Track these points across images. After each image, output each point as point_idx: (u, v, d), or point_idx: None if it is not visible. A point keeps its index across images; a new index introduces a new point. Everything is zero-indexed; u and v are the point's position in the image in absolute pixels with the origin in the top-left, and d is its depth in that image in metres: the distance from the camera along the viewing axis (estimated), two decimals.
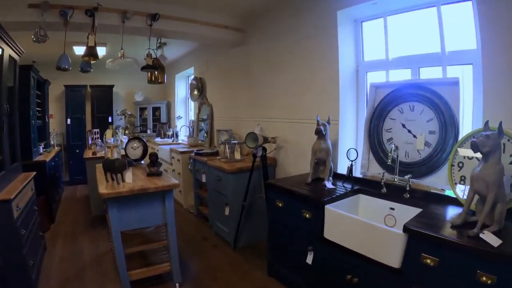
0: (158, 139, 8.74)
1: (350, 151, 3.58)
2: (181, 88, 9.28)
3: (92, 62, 4.68)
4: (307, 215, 3.04)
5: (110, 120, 9.03)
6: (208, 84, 7.14)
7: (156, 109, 9.69)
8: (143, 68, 4.79)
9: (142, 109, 9.74)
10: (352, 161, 3.50)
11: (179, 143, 7.96)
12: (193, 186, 6.02)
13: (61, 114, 8.97)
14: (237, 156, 5.01)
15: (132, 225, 3.31)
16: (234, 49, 5.92)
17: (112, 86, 9.16)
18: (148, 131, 9.48)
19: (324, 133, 3.46)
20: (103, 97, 9.07)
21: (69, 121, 8.59)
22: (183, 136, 8.58)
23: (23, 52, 4.21)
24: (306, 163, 3.84)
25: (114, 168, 3.25)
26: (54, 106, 8.93)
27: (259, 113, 5.32)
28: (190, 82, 7.71)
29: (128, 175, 3.31)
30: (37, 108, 6.69)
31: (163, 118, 9.56)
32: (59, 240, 5.01)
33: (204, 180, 5.32)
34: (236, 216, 4.48)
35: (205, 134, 7.01)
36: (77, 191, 8.17)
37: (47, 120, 7.43)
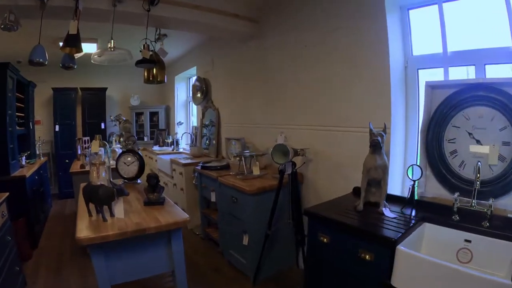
0: (156, 148, 7.89)
1: (411, 168, 2.70)
2: (182, 90, 8.41)
3: (76, 56, 3.80)
4: (367, 257, 2.20)
5: (103, 126, 8.13)
6: (214, 85, 6.27)
7: (153, 114, 8.78)
8: (138, 63, 3.85)
9: (139, 114, 8.85)
10: (414, 180, 2.69)
11: (180, 152, 7.13)
12: (199, 204, 5.14)
13: (49, 120, 8.07)
14: (256, 171, 4.12)
15: (126, 277, 2.37)
16: (246, 43, 5.08)
17: (105, 89, 8.26)
18: (145, 138, 8.57)
19: (381, 145, 2.60)
20: (95, 101, 8.14)
21: (57, 127, 7.69)
22: (184, 144, 7.78)
23: None
24: (343, 180, 3.36)
25: (98, 198, 2.34)
26: (41, 112, 8.03)
27: (280, 119, 4.46)
28: (192, 83, 6.80)
29: (119, 209, 2.41)
30: (19, 114, 5.82)
31: (162, 124, 8.65)
32: (42, 272, 4.22)
33: (213, 199, 4.45)
34: (257, 246, 3.62)
35: (209, 142, 6.18)
36: (66, 207, 7.28)
37: (31, 127, 6.51)
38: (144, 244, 2.35)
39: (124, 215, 2.41)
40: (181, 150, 7.43)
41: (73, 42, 3.38)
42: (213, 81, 6.26)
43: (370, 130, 2.65)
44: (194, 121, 7.84)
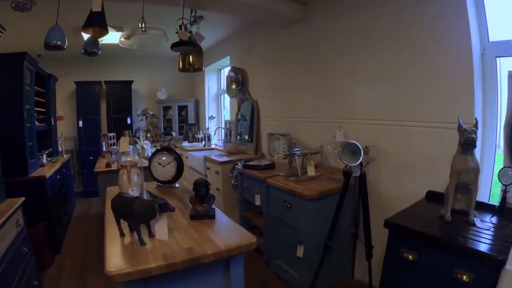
0: (186, 144, 7.34)
1: (503, 170, 2.23)
2: (212, 83, 7.82)
3: (101, 40, 3.22)
4: (465, 277, 1.77)
5: (129, 121, 7.62)
6: (251, 76, 5.65)
7: (182, 108, 8.23)
8: (175, 46, 3.23)
9: (166, 109, 8.29)
10: (506, 185, 2.21)
11: (213, 149, 6.60)
12: (238, 207, 4.54)
13: (72, 116, 7.61)
14: (311, 172, 3.49)
15: None
16: (289, 28, 4.47)
17: (130, 82, 7.73)
18: (173, 134, 8.01)
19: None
20: (121, 95, 7.63)
21: (81, 123, 7.21)
22: (216, 139, 7.21)
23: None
24: (412, 183, 2.93)
25: (134, 215, 1.75)
26: (64, 107, 7.57)
27: (335, 112, 3.82)
28: (226, 74, 6.18)
29: (162, 229, 1.78)
30: (40, 109, 5.33)
31: (191, 119, 8.08)
32: (64, 280, 3.84)
33: (258, 202, 3.84)
34: (313, 258, 3.05)
35: (249, 138, 5.53)
36: (91, 206, 6.82)
37: (53, 123, 6.01)
38: (195, 274, 1.74)
39: (169, 236, 1.81)
40: (213, 146, 6.88)
41: (97, 21, 2.81)
42: (251, 71, 5.64)
43: (460, 126, 2.16)
44: (227, 115, 7.26)
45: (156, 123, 8.03)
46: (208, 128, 7.20)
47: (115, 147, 5.25)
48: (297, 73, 4.42)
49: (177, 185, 3.14)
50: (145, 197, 2.18)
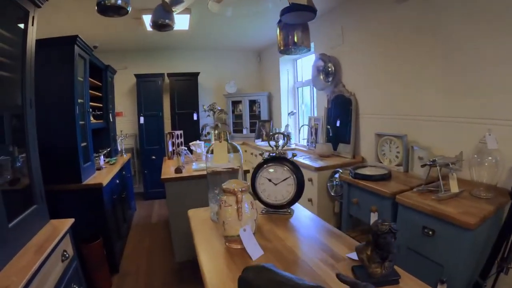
0: (259, 143, 6.50)
1: None
2: (287, 74, 6.91)
3: (176, 10, 2.53)
4: None
5: (195, 117, 6.85)
6: (346, 65, 4.66)
7: (253, 103, 7.39)
8: (288, 11, 2.38)
9: (235, 103, 7.48)
10: None
11: (294, 149, 5.70)
12: (343, 224, 3.57)
13: (133, 112, 6.98)
14: (454, 187, 2.53)
15: None
16: (405, 3, 3.45)
17: (197, 74, 6.96)
18: (244, 131, 7.21)
19: None
20: (186, 89, 6.89)
21: (142, 119, 6.53)
22: (296, 138, 6.38)
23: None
24: None
25: None
26: (123, 102, 6.98)
27: (477, 109, 2.79)
28: (314, 64, 5.19)
29: None
30: (96, 104, 4.70)
31: (264, 115, 7.22)
32: None
33: (372, 222, 2.90)
34: None
35: (348, 139, 4.64)
36: (153, 211, 6.13)
37: (111, 120, 5.36)
38: None
39: None
40: (292, 146, 6.01)
41: None
42: (344, 58, 4.66)
43: None
44: (307, 110, 6.36)
45: (224, 119, 7.31)
46: (288, 125, 6.31)
47: (183, 148, 4.52)
48: (416, 61, 3.39)
49: (293, 209, 2.28)
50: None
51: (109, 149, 5.04)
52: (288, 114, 6.49)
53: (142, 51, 6.88)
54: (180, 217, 2.93)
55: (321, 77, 4.96)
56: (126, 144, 6.30)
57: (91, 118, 4.36)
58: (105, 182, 3.58)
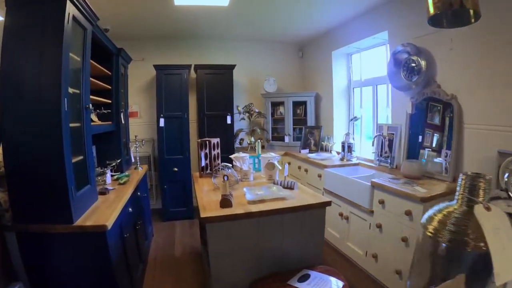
0: (308, 154, 5.37)
1: None
2: (341, 71, 5.69)
3: None
4: None
5: (229, 120, 5.63)
6: (442, 58, 3.44)
7: (297, 105, 6.13)
8: None
9: (276, 105, 6.24)
10: None
11: (357, 164, 4.63)
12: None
13: (150, 112, 5.84)
14: None
15: None
16: None
17: (232, 67, 5.68)
18: (286, 138, 6.00)
19: None
20: (218, 85, 5.64)
21: (162, 122, 5.36)
22: (359, 151, 5.21)
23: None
24: None
25: None
26: (138, 100, 5.87)
27: None
28: (394, 55, 3.95)
29: None
30: (101, 99, 3.57)
31: (310, 120, 5.99)
32: None
33: None
34: None
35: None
36: (175, 237, 4.95)
37: (123, 121, 4.22)
38: None
39: None
40: (354, 160, 4.81)
41: None
42: (440, 51, 3.43)
43: None
44: (367, 115, 5.14)
45: (262, 124, 6.13)
46: (348, 133, 5.04)
47: (227, 165, 3.36)
48: None
49: None
50: None
51: (119, 161, 3.91)
52: (351, 120, 5.24)
53: (164, 38, 5.73)
54: (226, 257, 2.46)
55: (403, 74, 3.75)
56: (141, 152, 5.18)
57: (93, 118, 3.24)
58: (110, 221, 2.36)
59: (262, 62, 6.33)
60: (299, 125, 6.00)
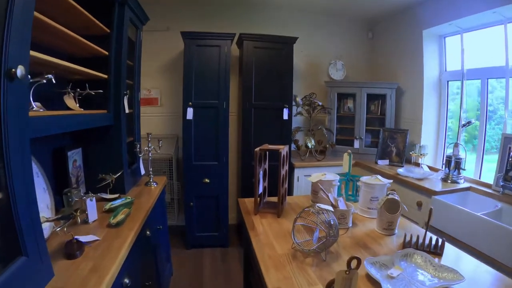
0: (389, 166, 3.73)
1: None
2: (431, 58, 3.84)
3: None
4: None
5: (285, 115, 3.70)
6: None
7: (373, 99, 4.21)
8: None
9: (343, 98, 4.30)
10: None
11: (466, 188, 2.99)
12: None
13: (175, 99, 4.01)
14: None
15: None
16: None
17: (293, 41, 3.70)
18: (356, 143, 4.12)
19: None
20: (272, 65, 3.68)
21: (190, 113, 3.50)
22: (467, 168, 3.28)
23: None
24: None
25: None
26: (159, 82, 4.08)
27: None
28: None
29: None
30: (91, 72, 1.91)
31: (390, 120, 4.08)
32: None
33: None
34: None
35: None
36: (203, 276, 3.23)
37: (126, 110, 2.37)
38: None
39: None
40: (461, 182, 3.07)
41: None
42: None
43: None
44: (469, 115, 3.26)
45: (326, 122, 4.27)
46: (458, 144, 3.19)
47: (326, 209, 1.55)
48: None
49: None
50: None
51: (119, 174, 2.15)
52: (463, 125, 3.29)
53: (197, 1, 3.94)
54: None
55: None
56: (159, 154, 3.39)
57: (68, 103, 1.70)
58: None
59: (326, 40, 4.48)
60: (373, 126, 4.15)
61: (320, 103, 3.95)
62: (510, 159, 2.64)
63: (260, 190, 2.04)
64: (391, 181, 2.21)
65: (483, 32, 3.27)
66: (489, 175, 3.12)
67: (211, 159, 3.55)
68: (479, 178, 3.20)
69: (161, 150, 3.00)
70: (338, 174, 2.38)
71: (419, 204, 2.96)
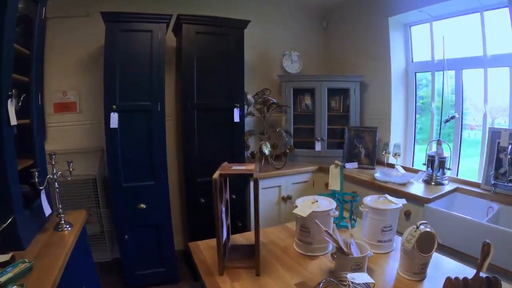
0: (358, 169, 3.18)
1: None
2: (397, 49, 3.34)
3: None
4: None
5: (236, 117, 2.86)
6: None
7: (333, 94, 3.53)
8: None
9: (299, 94, 3.58)
10: None
11: (452, 190, 2.54)
12: None
13: (97, 103, 2.95)
14: None
15: None
16: None
17: (244, 25, 2.92)
18: (317, 145, 3.41)
19: None
20: (219, 55, 2.86)
21: (114, 119, 2.55)
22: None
23: None
24: None
25: None
26: (77, 82, 3.08)
27: None
28: None
29: None
30: None
31: (354, 117, 3.45)
32: None
33: None
34: None
35: None
36: None
37: (12, 121, 1.48)
38: None
39: None
40: (446, 183, 2.62)
41: None
42: None
43: None
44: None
45: (283, 123, 3.53)
46: (439, 141, 2.66)
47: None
48: None
49: None
50: None
51: (10, 221, 1.33)
52: (446, 120, 2.74)
53: None
54: None
55: None
56: (77, 176, 2.46)
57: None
58: None
59: (279, 29, 3.79)
60: (336, 124, 3.52)
61: (275, 101, 3.22)
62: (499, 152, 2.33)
63: (224, 235, 1.29)
64: (404, 201, 1.58)
65: (453, 21, 2.94)
66: (469, 173, 2.80)
67: (146, 178, 2.67)
68: (456, 176, 2.85)
69: (81, 169, 2.11)
70: (325, 194, 1.69)
71: (407, 214, 2.42)
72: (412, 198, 2.37)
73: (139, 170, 2.65)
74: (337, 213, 1.51)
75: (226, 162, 1.45)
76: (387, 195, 1.59)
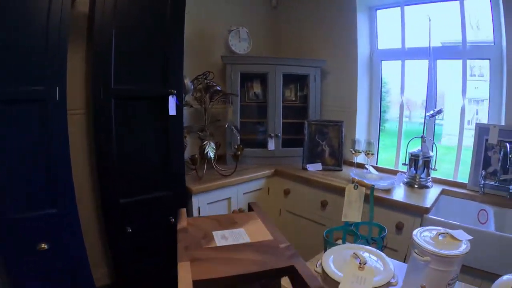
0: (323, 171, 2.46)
1: None
2: (364, 33, 2.78)
3: None
4: None
5: (172, 108, 2.00)
6: None
7: (289, 82, 2.82)
8: None
9: (248, 80, 2.81)
10: None
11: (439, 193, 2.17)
12: None
13: None
14: None
15: None
16: None
17: None
18: (271, 144, 2.69)
19: None
20: (149, 24, 1.95)
21: None
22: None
23: None
24: None
25: None
26: None
27: None
28: None
29: None
30: None
31: (314, 110, 2.78)
32: None
33: None
34: None
35: None
36: None
37: None
38: None
39: None
40: (429, 185, 2.24)
41: None
42: None
43: None
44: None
45: (230, 115, 2.71)
46: (423, 138, 2.27)
47: None
48: None
49: None
50: None
51: None
52: (431, 115, 2.23)
53: None
54: None
55: None
56: None
57: None
58: None
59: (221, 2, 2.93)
60: (291, 118, 2.83)
61: (219, 88, 2.43)
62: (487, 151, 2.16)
63: None
64: (469, 236, 1.03)
65: (426, 7, 2.61)
66: (448, 172, 2.51)
67: (44, 205, 1.71)
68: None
69: None
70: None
71: (399, 227, 1.96)
72: (403, 207, 1.96)
73: (30, 193, 1.68)
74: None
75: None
76: (448, 230, 1.00)
